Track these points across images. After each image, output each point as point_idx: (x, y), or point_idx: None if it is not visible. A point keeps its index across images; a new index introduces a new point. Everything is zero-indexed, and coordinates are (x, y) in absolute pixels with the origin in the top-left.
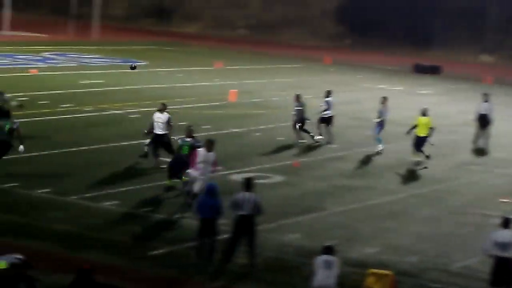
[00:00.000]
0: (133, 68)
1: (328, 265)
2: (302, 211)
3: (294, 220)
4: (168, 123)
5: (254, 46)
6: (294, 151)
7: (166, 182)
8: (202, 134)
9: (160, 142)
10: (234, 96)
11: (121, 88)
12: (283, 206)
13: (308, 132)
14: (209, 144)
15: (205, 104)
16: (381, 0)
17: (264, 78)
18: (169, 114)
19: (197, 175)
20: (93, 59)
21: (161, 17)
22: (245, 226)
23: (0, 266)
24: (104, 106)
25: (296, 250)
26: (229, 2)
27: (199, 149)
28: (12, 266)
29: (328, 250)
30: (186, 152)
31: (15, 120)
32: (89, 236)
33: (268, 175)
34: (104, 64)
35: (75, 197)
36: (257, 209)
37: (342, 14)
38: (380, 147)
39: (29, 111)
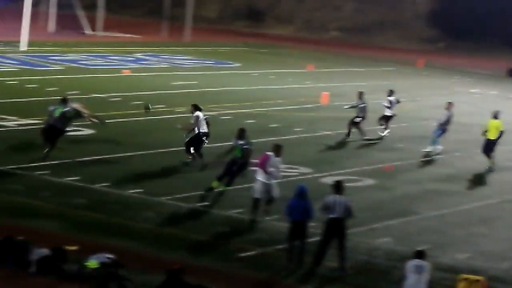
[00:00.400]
0: (147, 109)
1: (419, 269)
2: (393, 215)
3: (385, 224)
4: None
5: (346, 49)
6: (386, 154)
7: (213, 184)
8: (294, 136)
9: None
10: (326, 98)
11: (213, 89)
12: (374, 209)
13: (362, 132)
14: (278, 149)
15: (297, 106)
16: (476, 3)
17: (356, 81)
18: (199, 114)
19: (264, 179)
20: (185, 60)
21: (254, 19)
22: (336, 229)
23: (91, 265)
24: None
25: (386, 254)
26: (321, 4)
27: (268, 153)
28: (103, 265)
29: (420, 255)
30: (239, 155)
31: (70, 108)
32: (179, 236)
33: (359, 178)
34: (196, 66)
35: (167, 197)
36: (348, 212)
37: (436, 17)
38: (431, 148)
39: (122, 112)
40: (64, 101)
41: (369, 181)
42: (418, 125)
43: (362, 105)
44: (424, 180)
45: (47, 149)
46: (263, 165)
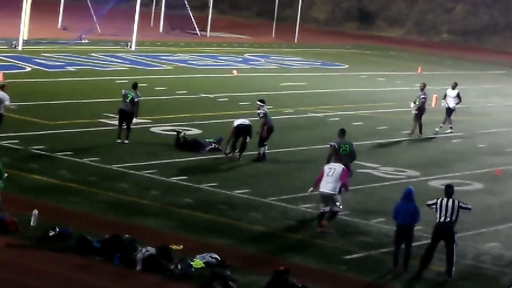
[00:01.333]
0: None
1: None
2: (502, 219)
3: (493, 229)
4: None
5: (457, 51)
6: (495, 158)
7: None
8: (402, 139)
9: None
10: (435, 101)
11: (321, 91)
12: (483, 214)
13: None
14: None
15: (406, 109)
16: None
17: (466, 84)
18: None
19: (333, 191)
20: (294, 61)
21: (364, 21)
22: (444, 233)
23: (197, 265)
24: (304, 108)
25: (494, 259)
26: (433, 6)
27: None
28: (208, 265)
29: None
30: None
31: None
32: (285, 237)
33: (468, 182)
34: (305, 67)
35: (273, 198)
36: (457, 216)
37: None
38: None
39: (229, 112)
40: (134, 87)
41: (478, 185)
42: None
43: (423, 98)
44: None
45: (123, 133)
46: (346, 179)
